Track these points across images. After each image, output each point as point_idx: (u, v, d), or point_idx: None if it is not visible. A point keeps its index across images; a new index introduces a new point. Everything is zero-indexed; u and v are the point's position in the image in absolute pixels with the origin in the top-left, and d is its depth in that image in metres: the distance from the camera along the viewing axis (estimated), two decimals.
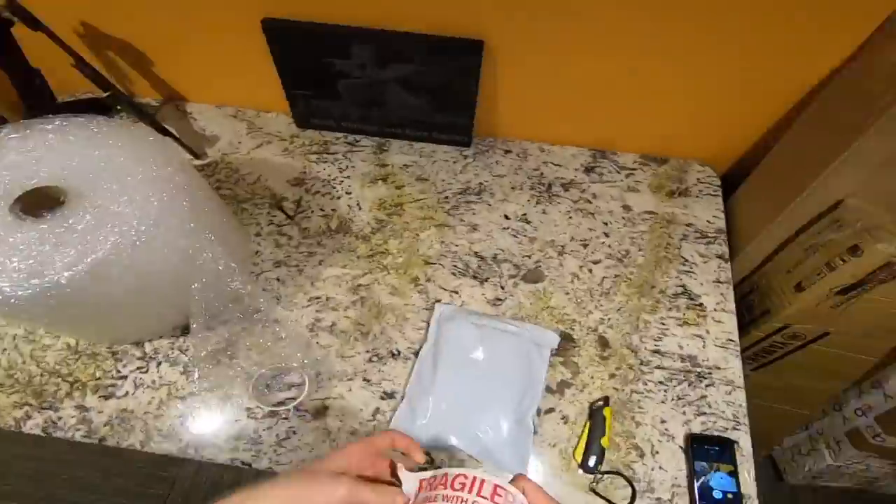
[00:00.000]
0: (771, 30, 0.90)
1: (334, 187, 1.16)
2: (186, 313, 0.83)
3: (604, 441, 0.83)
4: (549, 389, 0.90)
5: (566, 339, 0.96)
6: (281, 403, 0.87)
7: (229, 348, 0.91)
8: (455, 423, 0.85)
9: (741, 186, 1.17)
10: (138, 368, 0.91)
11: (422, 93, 1.11)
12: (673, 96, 1.08)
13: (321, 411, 0.87)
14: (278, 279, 1.02)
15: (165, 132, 1.09)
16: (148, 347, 0.94)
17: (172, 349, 0.94)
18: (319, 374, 0.91)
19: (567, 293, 1.02)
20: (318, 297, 1.00)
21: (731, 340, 0.97)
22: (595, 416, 0.86)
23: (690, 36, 0.94)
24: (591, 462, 0.82)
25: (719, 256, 1.08)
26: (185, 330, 0.94)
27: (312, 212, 1.12)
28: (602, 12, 0.93)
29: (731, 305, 1.01)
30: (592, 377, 0.92)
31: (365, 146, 1.23)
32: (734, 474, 0.82)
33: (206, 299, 0.82)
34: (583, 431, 0.86)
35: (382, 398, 0.89)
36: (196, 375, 0.90)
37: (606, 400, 0.88)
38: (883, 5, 0.83)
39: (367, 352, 0.94)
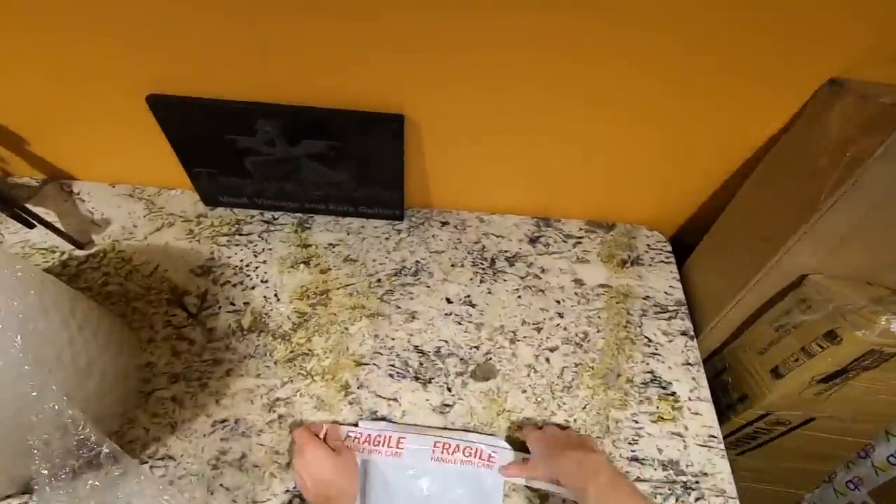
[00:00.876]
0: (708, 93, 0.77)
1: (248, 275, 0.93)
2: (27, 473, 0.58)
3: None
4: None
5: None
6: None
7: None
8: None
9: (694, 254, 1.03)
10: None
11: (342, 167, 0.92)
12: (612, 160, 0.94)
13: None
14: (174, 399, 0.77)
15: (31, 222, 0.84)
16: None
17: None
18: None
19: (524, 391, 0.83)
20: (224, 421, 0.76)
21: (713, 437, 0.79)
22: None
23: (625, 100, 0.80)
24: None
25: (684, 333, 0.92)
26: (25, 490, 0.68)
27: (220, 307, 0.88)
28: (528, 83, 0.78)
29: (706, 393, 0.84)
30: (565, 501, 0.72)
31: (284, 224, 1.01)
32: None
33: (49, 455, 0.57)
34: None
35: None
36: None
37: None
38: (818, 72, 0.72)
39: (287, 492, 0.70)
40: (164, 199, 1.03)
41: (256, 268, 0.94)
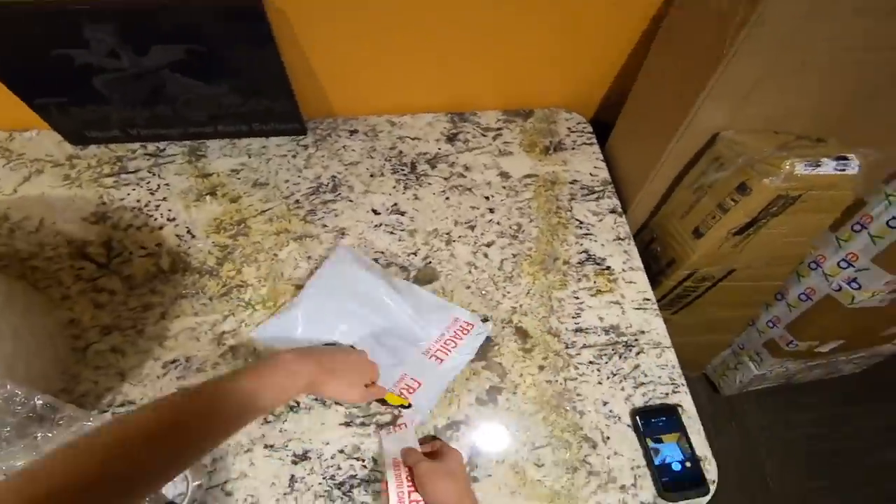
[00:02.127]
0: None
1: (150, 215, 1.12)
2: None
3: None
4: (479, 401, 0.99)
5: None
6: None
7: None
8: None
9: (614, 130, 1.34)
10: None
11: (215, 78, 1.08)
12: (519, 43, 1.20)
13: (226, 500, 0.88)
14: (113, 350, 0.97)
15: None
16: None
17: None
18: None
19: (468, 287, 1.11)
20: (174, 361, 0.97)
21: (647, 300, 1.13)
22: None
23: None
24: None
25: (613, 211, 1.24)
26: None
27: (132, 253, 1.07)
28: None
29: (638, 262, 1.17)
30: (521, 375, 1.02)
31: (173, 154, 1.20)
32: (685, 439, 0.98)
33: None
34: None
35: (295, 462, 0.91)
36: None
37: None
38: None
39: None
40: (18, 143, 1.17)
41: (157, 206, 1.13)
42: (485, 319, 1.06)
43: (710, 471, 0.95)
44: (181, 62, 1.04)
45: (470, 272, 1.12)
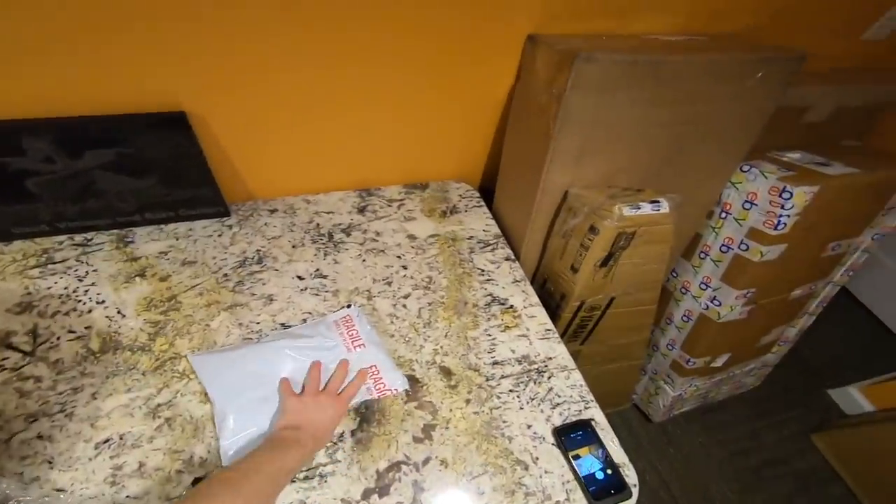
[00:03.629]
0: (453, 65, 1.11)
1: (79, 300, 0.96)
2: None
3: None
4: (416, 439, 0.89)
5: (411, 381, 0.95)
6: None
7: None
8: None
9: (495, 195, 1.33)
10: None
11: (143, 173, 1.00)
12: (412, 127, 1.20)
13: None
14: (40, 437, 0.80)
15: None
16: None
17: None
18: None
19: (392, 335, 1.02)
20: (107, 440, 0.81)
21: (548, 330, 1.07)
22: None
23: (396, 80, 1.10)
24: None
25: (507, 259, 1.19)
26: None
27: (59, 338, 0.91)
28: (305, 65, 1.01)
29: (535, 299, 1.12)
30: (452, 410, 0.93)
31: (101, 243, 1.06)
32: (602, 448, 0.91)
33: None
34: None
35: None
36: None
37: (196, 481, 0.80)
38: (519, 31, 1.07)
39: (198, 480, 0.80)
40: None
41: (86, 291, 0.98)
42: (348, 305, 1.04)
43: (630, 476, 0.88)
44: (112, 162, 0.96)
45: (392, 322, 1.04)
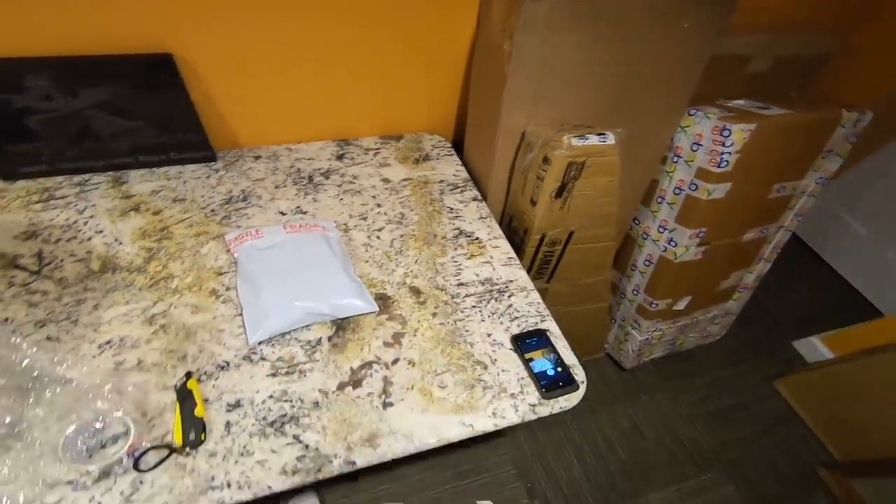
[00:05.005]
0: (419, 15, 1.21)
1: (79, 230, 1.06)
2: None
3: (198, 411, 0.84)
4: (386, 344, 0.99)
5: (383, 299, 1.05)
6: (110, 462, 0.78)
7: (16, 428, 0.79)
8: (300, 299, 0.97)
9: (465, 144, 1.43)
10: None
11: (133, 115, 1.08)
12: (389, 80, 1.30)
13: (165, 448, 0.81)
14: (49, 338, 0.90)
15: None
16: None
17: None
18: (146, 414, 0.85)
19: (366, 262, 1.12)
20: (108, 342, 0.91)
21: (511, 258, 1.17)
22: (181, 393, 0.85)
23: (361, 33, 1.21)
24: (192, 436, 0.81)
25: (475, 199, 1.29)
26: None
27: (62, 260, 1.01)
28: (293, 20, 1.11)
29: (499, 232, 1.22)
30: (419, 321, 1.03)
31: (97, 183, 1.15)
32: (554, 352, 1.02)
33: None
34: (175, 413, 0.83)
35: (229, 410, 0.86)
36: None
37: (188, 374, 0.88)
38: None
39: (192, 375, 0.90)
40: None
41: (85, 222, 1.07)
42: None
43: (579, 374, 0.98)
44: (106, 102, 1.04)
45: (366, 250, 1.13)
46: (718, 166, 1.26)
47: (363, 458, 0.83)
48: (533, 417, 0.92)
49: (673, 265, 1.49)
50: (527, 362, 0.98)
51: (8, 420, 0.78)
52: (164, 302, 0.97)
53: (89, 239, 1.04)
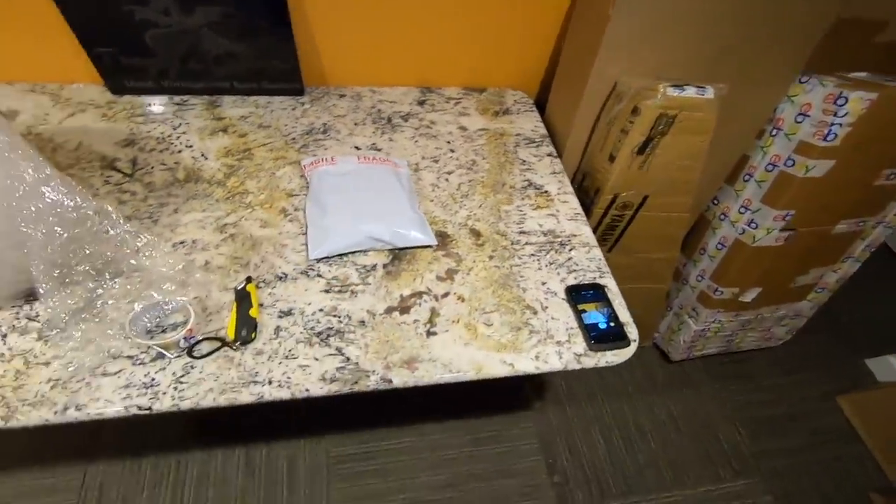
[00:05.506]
0: None
1: (172, 143, 1.11)
2: (28, 280, 0.77)
3: (252, 312, 0.86)
4: (439, 278, 0.98)
5: (442, 236, 1.04)
6: (168, 343, 0.82)
7: (94, 303, 0.84)
8: (364, 223, 0.98)
9: (549, 98, 1.38)
10: None
11: (238, 38, 1.12)
12: (471, 36, 1.27)
13: (218, 340, 0.84)
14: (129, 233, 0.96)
15: None
16: None
17: (18, 318, 0.83)
18: (206, 309, 0.88)
19: (431, 200, 1.11)
20: (182, 242, 0.96)
21: (577, 214, 1.13)
22: (240, 294, 0.89)
23: None
24: (244, 333, 0.84)
25: (549, 155, 1.25)
26: (29, 297, 0.85)
27: (153, 167, 1.06)
28: None
29: (570, 188, 1.18)
30: (475, 261, 1.01)
31: (194, 104, 1.20)
32: (609, 307, 0.97)
33: (52, 252, 0.76)
34: (231, 312, 0.87)
35: (281, 316, 0.88)
36: (57, 339, 0.81)
37: (248, 279, 0.91)
38: None
39: (252, 280, 0.93)
40: (67, 92, 1.17)
41: (178, 137, 1.13)
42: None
43: (632, 332, 0.94)
44: (217, 23, 1.09)
45: (433, 190, 1.13)
46: (825, 139, 1.14)
47: (399, 379, 0.83)
48: (576, 366, 0.89)
49: (748, 249, 1.38)
50: (579, 313, 0.94)
51: (86, 295, 0.83)
52: (236, 214, 1.01)
53: (179, 152, 1.09)
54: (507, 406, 1.67)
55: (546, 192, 1.16)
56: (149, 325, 0.84)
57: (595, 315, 0.95)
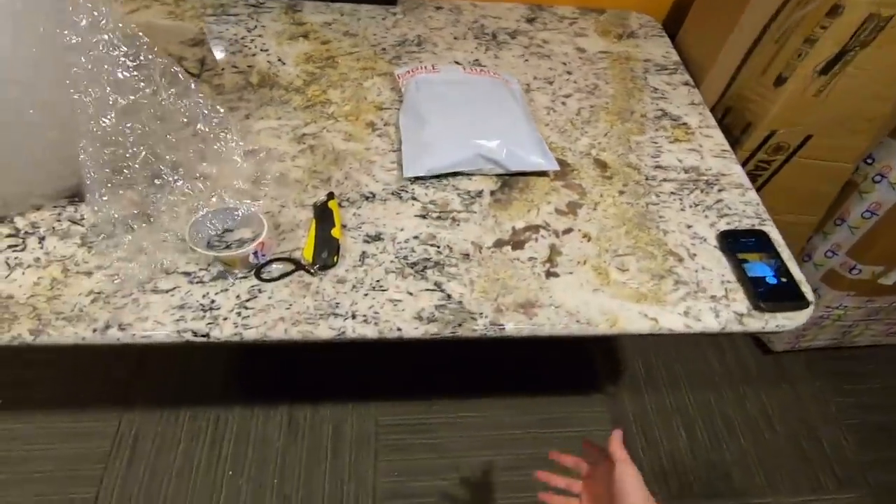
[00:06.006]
0: None
1: (245, 46, 0.96)
2: (74, 174, 0.63)
3: (335, 232, 0.70)
4: (559, 211, 0.79)
5: (561, 165, 0.85)
6: (234, 258, 0.65)
7: (149, 207, 0.69)
8: (474, 136, 0.80)
9: (683, 25, 1.16)
10: (9, 247, 0.66)
11: None
12: None
13: (291, 262, 0.68)
14: (194, 135, 0.80)
15: None
16: (19, 223, 0.69)
17: (60, 221, 0.69)
18: (279, 226, 0.72)
19: (547, 125, 0.92)
20: (253, 150, 0.80)
21: (725, 151, 0.92)
22: (320, 211, 0.73)
23: None
24: (324, 255, 0.68)
25: (686, 84, 1.04)
26: (74, 196, 0.71)
27: (224, 70, 0.91)
28: None
29: (713, 122, 0.97)
30: (602, 196, 0.82)
31: (271, 7, 1.04)
32: (777, 259, 0.76)
33: (105, 129, 0.61)
34: (309, 230, 0.71)
35: (367, 241, 0.72)
36: (103, 245, 0.67)
37: (330, 195, 0.75)
38: None
39: (335, 197, 0.76)
40: None
41: (252, 41, 0.97)
42: None
43: (808, 292, 0.72)
44: None
45: (548, 114, 0.94)
46: None
47: (514, 325, 0.65)
48: (737, 329, 0.69)
49: None
50: (739, 263, 0.73)
51: (138, 200, 0.68)
52: (316, 124, 0.85)
53: (253, 55, 0.94)
54: (577, 387, 1.46)
55: (685, 123, 0.95)
56: (213, 234, 0.68)
57: (760, 267, 0.74)
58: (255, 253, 0.65)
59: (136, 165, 0.68)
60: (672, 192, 0.84)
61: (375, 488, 1.18)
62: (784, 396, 1.53)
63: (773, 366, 1.59)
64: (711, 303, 0.70)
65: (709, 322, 0.69)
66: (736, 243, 0.77)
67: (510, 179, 0.82)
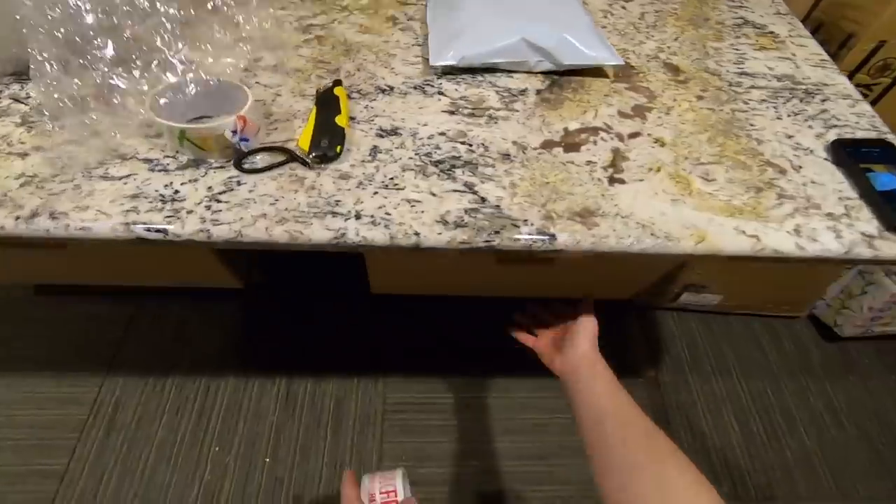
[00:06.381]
0: None
1: None
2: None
3: (339, 119, 0.56)
4: (622, 114, 0.63)
5: (624, 67, 0.69)
6: (206, 136, 0.51)
7: (110, 90, 0.55)
8: (518, 19, 0.65)
9: None
10: None
11: None
12: None
13: (282, 152, 0.53)
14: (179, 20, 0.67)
15: None
16: None
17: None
18: (270, 115, 0.58)
19: (604, 27, 0.76)
20: (245, 38, 0.66)
21: (824, 60, 0.75)
22: (324, 98, 0.59)
23: None
24: (324, 143, 0.53)
25: None
26: (23, 75, 0.58)
27: None
28: None
29: (805, 32, 0.80)
30: (675, 100, 0.66)
31: None
32: None
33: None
34: (309, 118, 0.56)
35: (381, 136, 0.57)
36: (49, 126, 0.53)
37: (337, 81, 0.60)
38: None
39: (342, 85, 0.61)
40: None
41: None
42: None
43: None
44: None
45: (605, 17, 0.79)
46: None
47: (569, 236, 0.49)
48: (866, 254, 0.52)
49: None
50: (862, 173, 0.56)
51: (97, 80, 0.54)
52: (326, 16, 0.72)
53: None
54: (612, 369, 1.28)
55: (772, 32, 0.79)
56: (184, 112, 0.54)
57: (891, 179, 0.56)
58: (235, 131, 0.50)
59: (100, 43, 0.54)
60: (763, 100, 0.67)
61: None
62: (853, 389, 1.33)
63: (839, 354, 1.39)
64: (829, 220, 0.53)
65: (828, 242, 0.52)
66: (856, 152, 0.60)
67: (559, 79, 0.66)
